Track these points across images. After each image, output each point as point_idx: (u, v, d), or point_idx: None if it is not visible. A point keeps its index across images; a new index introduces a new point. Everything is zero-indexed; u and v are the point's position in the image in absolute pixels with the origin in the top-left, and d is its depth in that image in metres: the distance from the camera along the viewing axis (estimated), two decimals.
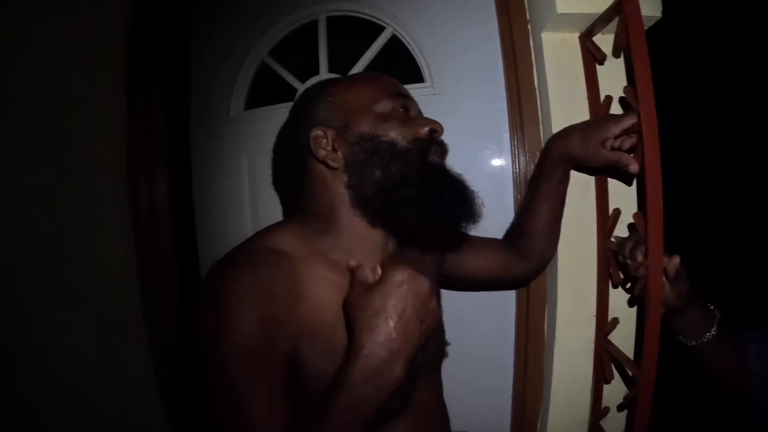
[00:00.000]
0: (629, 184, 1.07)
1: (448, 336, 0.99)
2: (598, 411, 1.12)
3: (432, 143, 0.83)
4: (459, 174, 0.86)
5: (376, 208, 0.81)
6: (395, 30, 1.39)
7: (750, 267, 3.38)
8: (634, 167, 0.85)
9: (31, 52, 1.29)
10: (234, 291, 0.70)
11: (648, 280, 0.83)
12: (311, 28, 1.49)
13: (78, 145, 1.40)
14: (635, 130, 0.85)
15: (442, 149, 0.85)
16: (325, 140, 0.82)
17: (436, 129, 0.84)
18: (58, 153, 1.35)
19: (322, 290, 0.78)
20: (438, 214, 0.80)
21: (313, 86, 0.91)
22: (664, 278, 0.87)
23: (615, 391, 1.10)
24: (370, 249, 0.84)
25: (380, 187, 0.80)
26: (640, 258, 0.88)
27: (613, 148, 0.90)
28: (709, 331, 0.95)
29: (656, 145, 0.81)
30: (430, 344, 0.88)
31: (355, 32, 1.44)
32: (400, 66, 1.38)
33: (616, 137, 0.89)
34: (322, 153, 0.82)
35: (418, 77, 1.38)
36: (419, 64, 1.37)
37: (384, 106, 0.83)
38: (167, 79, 1.60)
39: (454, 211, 0.82)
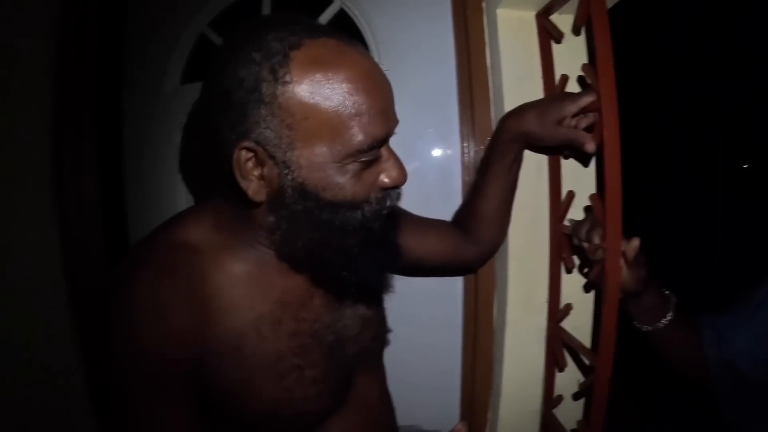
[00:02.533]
0: (585, 164, 1.05)
1: (393, 325, 0.94)
2: (550, 400, 1.10)
3: (384, 202, 0.68)
4: (392, 219, 0.74)
5: (298, 261, 0.72)
6: (343, 3, 1.32)
7: (705, 252, 3.56)
8: (590, 146, 0.82)
9: None
10: (135, 309, 0.63)
11: (606, 263, 0.81)
12: None
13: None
14: (593, 108, 0.83)
15: (393, 205, 0.71)
16: (251, 162, 0.63)
17: (396, 185, 0.69)
18: None
19: (231, 290, 0.70)
20: (366, 280, 0.72)
21: (261, 60, 0.59)
22: (622, 262, 0.85)
23: (569, 379, 1.08)
24: (277, 265, 0.74)
25: (309, 249, 0.67)
26: (597, 241, 0.85)
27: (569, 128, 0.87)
28: (665, 317, 0.94)
29: (616, 124, 0.79)
30: (366, 334, 0.84)
31: (300, 4, 1.35)
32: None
33: (574, 116, 0.86)
34: (243, 181, 0.63)
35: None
36: (366, 39, 1.30)
37: (349, 149, 0.61)
38: (98, 49, 1.45)
39: (383, 277, 0.75)
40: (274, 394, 0.71)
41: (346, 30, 1.26)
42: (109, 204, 1.51)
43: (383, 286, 0.76)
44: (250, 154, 0.62)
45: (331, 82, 0.59)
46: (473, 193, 1.03)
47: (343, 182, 0.63)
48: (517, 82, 1.05)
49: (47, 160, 1.36)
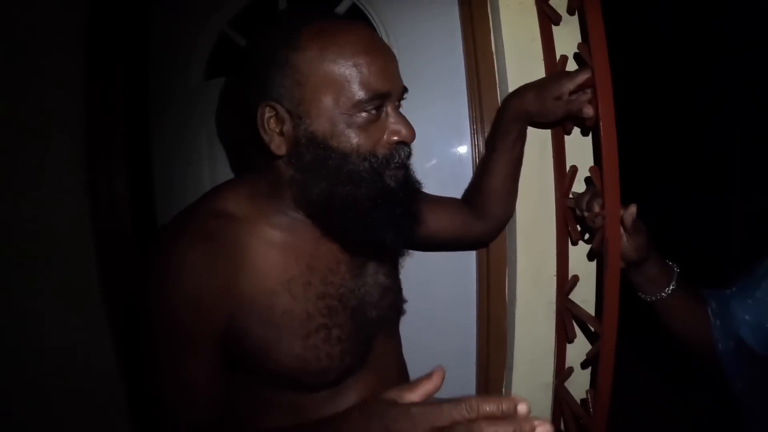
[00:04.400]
0: (585, 134, 1.09)
1: (410, 297, 0.99)
2: (562, 372, 1.14)
3: (393, 158, 0.74)
4: (412, 184, 0.80)
5: (316, 213, 0.78)
6: None
7: (709, 225, 3.50)
8: (588, 110, 0.86)
9: None
10: (173, 271, 0.71)
11: (605, 229, 0.84)
12: None
13: (32, 119, 1.34)
14: (589, 84, 0.87)
15: (403, 162, 0.76)
16: (273, 120, 0.72)
17: (404, 140, 0.75)
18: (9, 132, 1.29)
19: (265, 254, 0.77)
20: (379, 238, 0.76)
21: (278, 35, 0.72)
22: (621, 230, 0.88)
23: (578, 350, 1.12)
24: (309, 233, 0.81)
25: (323, 198, 0.74)
26: (597, 209, 0.88)
27: None
28: (668, 287, 0.96)
29: (610, 97, 0.83)
30: (385, 302, 0.89)
31: (314, 1, 1.42)
32: None
33: (571, 93, 0.90)
34: (266, 135, 0.73)
35: None
36: (378, 32, 1.36)
37: (352, 99, 0.69)
38: (125, 51, 1.54)
39: (395, 234, 0.77)
40: (302, 350, 0.76)
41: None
42: (138, 200, 1.59)
43: (397, 248, 0.81)
44: (272, 113, 0.72)
45: (334, 45, 0.69)
46: (480, 170, 1.08)
47: (349, 132, 0.71)
48: (520, 65, 1.10)
49: (80, 161, 1.44)
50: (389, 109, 0.74)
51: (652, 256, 0.95)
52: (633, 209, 0.88)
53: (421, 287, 1.09)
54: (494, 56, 1.17)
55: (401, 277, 0.98)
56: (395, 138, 0.74)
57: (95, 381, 1.45)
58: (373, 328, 0.88)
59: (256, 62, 0.73)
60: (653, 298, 0.98)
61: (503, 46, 1.10)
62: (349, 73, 0.69)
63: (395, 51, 1.29)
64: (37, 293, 1.32)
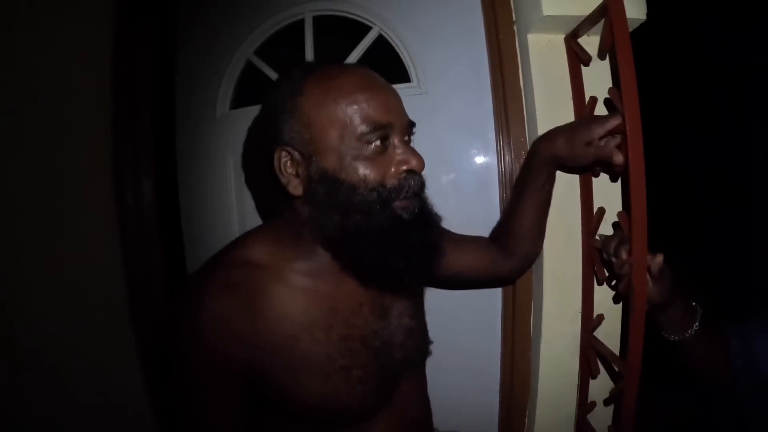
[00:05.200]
0: (614, 180, 1.09)
1: (435, 334, 1.01)
2: (584, 406, 1.14)
3: (402, 187, 0.77)
4: (428, 215, 0.82)
5: (332, 247, 0.81)
6: (382, 29, 1.40)
7: (731, 264, 3.46)
8: (618, 158, 0.86)
9: (17, 50, 1.27)
10: (200, 317, 0.75)
11: (632, 277, 0.85)
12: (298, 26, 1.49)
13: (63, 145, 1.39)
14: (619, 131, 0.87)
15: (415, 191, 0.78)
16: (289, 162, 0.78)
17: (413, 169, 0.77)
18: (42, 154, 1.33)
19: (288, 300, 0.81)
20: (392, 265, 0.78)
21: (286, 85, 0.79)
22: (647, 276, 0.89)
23: (601, 386, 1.12)
24: (331, 276, 0.84)
25: (336, 231, 0.77)
26: (624, 256, 0.89)
27: None
28: (692, 327, 0.97)
29: (640, 145, 0.83)
30: (411, 343, 0.92)
31: (341, 31, 1.44)
32: (387, 65, 1.38)
33: (601, 138, 0.90)
34: (283, 178, 0.78)
35: (404, 77, 1.38)
36: (405, 63, 1.38)
37: (355, 133, 0.74)
38: (152, 78, 1.59)
39: (409, 262, 0.78)
40: (321, 390, 0.80)
41: (386, 55, 1.36)
42: (165, 212, 1.64)
43: (414, 276, 0.81)
44: (287, 156, 0.78)
45: (334, 87, 0.75)
46: (509, 212, 1.10)
47: (356, 164, 0.75)
48: (549, 103, 1.10)
49: (108, 174, 1.50)
50: (396, 140, 0.78)
51: (676, 299, 0.96)
52: (659, 259, 0.89)
53: (447, 323, 1.10)
54: (522, 93, 1.18)
55: (428, 313, 1.00)
56: (404, 167, 0.77)
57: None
58: (397, 368, 0.90)
59: (269, 112, 0.80)
60: (676, 338, 0.99)
61: (532, 84, 1.11)
62: (351, 110, 0.74)
63: (422, 84, 1.33)
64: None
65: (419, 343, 0.95)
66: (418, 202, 0.80)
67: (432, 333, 1.01)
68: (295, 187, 0.78)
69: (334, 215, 0.76)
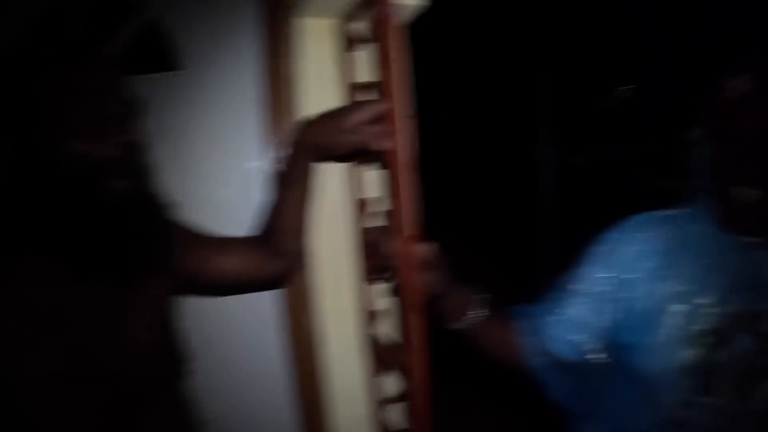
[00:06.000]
0: (383, 169, 1.05)
1: (210, 347, 0.90)
2: (376, 403, 1.11)
3: (112, 164, 0.69)
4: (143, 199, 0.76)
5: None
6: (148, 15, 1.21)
7: (518, 248, 3.86)
8: (381, 144, 0.82)
9: None
10: None
11: (401, 269, 0.82)
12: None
13: None
14: (385, 116, 0.82)
15: (125, 171, 0.72)
16: None
17: (128, 141, 0.73)
18: None
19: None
20: (104, 259, 0.71)
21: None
22: (420, 266, 0.86)
23: (395, 380, 1.09)
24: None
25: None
26: (393, 248, 0.85)
27: None
28: (473, 314, 0.97)
29: (406, 132, 0.79)
30: (155, 361, 0.81)
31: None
32: (150, 48, 1.21)
33: (367, 125, 0.84)
34: None
35: (169, 61, 1.21)
36: (171, 49, 1.20)
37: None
38: None
39: (124, 254, 0.72)
40: (43, 420, 0.68)
41: (150, 38, 1.19)
42: None
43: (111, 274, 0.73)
44: None
45: None
46: (270, 207, 0.99)
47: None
48: (319, 89, 1.05)
49: None
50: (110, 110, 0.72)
51: (455, 287, 0.95)
52: (425, 248, 0.86)
53: (220, 334, 0.98)
54: (292, 79, 1.09)
55: (192, 329, 0.88)
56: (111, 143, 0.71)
57: None
58: (139, 391, 0.78)
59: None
60: (462, 326, 0.98)
61: (303, 69, 1.05)
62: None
63: (187, 68, 1.17)
64: None
65: (169, 359, 0.83)
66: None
67: (206, 346, 0.90)
68: None
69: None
